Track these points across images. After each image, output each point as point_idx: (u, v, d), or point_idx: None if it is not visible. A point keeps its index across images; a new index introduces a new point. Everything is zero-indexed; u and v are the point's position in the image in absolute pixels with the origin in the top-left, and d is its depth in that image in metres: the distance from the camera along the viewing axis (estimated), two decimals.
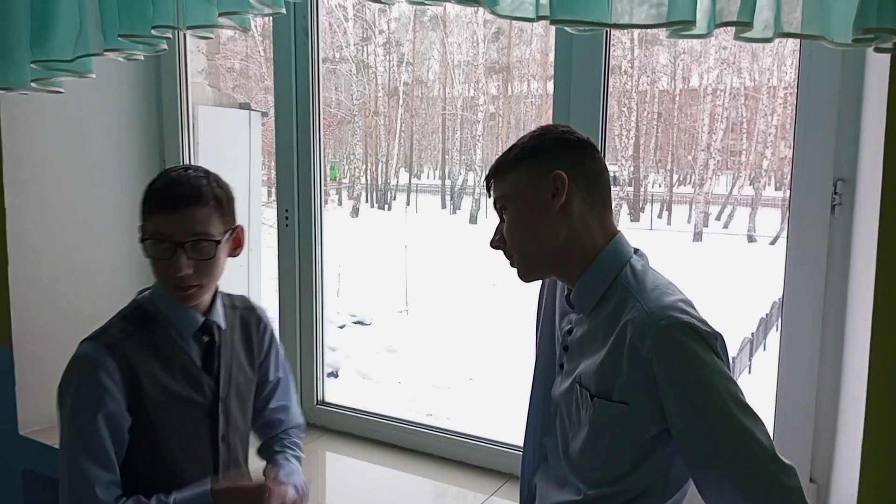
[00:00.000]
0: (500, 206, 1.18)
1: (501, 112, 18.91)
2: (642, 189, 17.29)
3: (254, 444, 1.53)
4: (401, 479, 1.97)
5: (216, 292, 1.38)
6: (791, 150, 1.53)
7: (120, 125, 2.36)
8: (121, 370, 1.23)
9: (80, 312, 2.18)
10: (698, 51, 15.69)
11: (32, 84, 1.66)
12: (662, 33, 1.11)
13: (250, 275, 3.32)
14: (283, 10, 1.38)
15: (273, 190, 2.37)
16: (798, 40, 1.21)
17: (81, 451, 1.21)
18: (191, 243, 1.24)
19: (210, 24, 1.40)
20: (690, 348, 1.01)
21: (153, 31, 1.42)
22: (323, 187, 2.25)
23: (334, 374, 7.45)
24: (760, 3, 1.05)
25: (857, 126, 1.42)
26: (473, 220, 17.46)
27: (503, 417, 4.54)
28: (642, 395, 1.05)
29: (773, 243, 13.58)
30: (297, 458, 1.51)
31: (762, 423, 1.00)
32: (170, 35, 1.46)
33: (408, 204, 19.99)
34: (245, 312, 1.47)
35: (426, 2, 1.26)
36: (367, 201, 20.05)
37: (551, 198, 1.11)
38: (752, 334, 8.16)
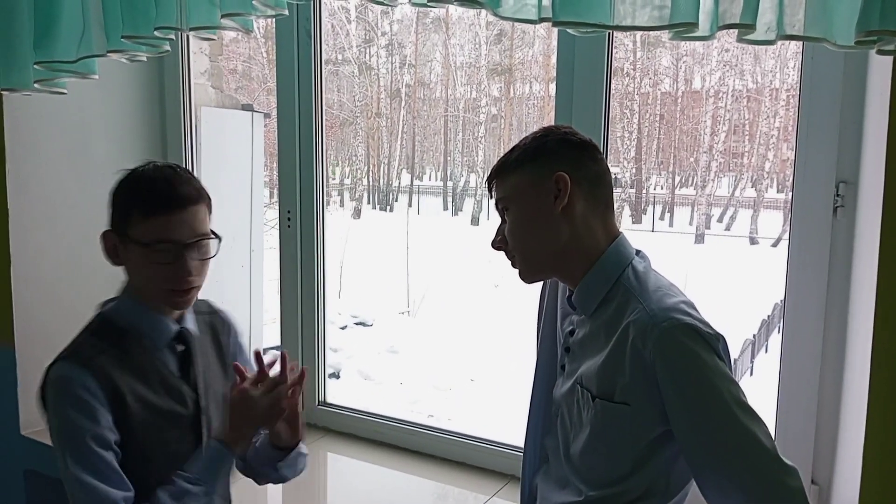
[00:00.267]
0: (501, 207, 1.18)
1: (503, 114, 18.89)
2: (644, 191, 17.27)
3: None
4: (402, 479, 1.98)
5: None
6: (793, 153, 1.53)
7: (123, 126, 2.37)
8: (103, 388, 1.16)
9: (82, 313, 2.16)
10: (701, 53, 15.67)
11: (36, 85, 1.67)
12: (665, 35, 1.11)
13: (252, 276, 3.32)
14: (286, 12, 1.39)
15: (275, 191, 2.37)
16: (801, 42, 1.21)
17: (90, 474, 1.13)
18: (195, 244, 1.21)
19: (213, 26, 1.40)
20: (693, 350, 1.01)
21: (156, 33, 1.43)
22: (325, 189, 2.26)
23: (336, 375, 7.45)
24: (763, 6, 1.05)
25: (860, 128, 1.42)
26: (475, 221, 17.45)
27: (504, 418, 4.54)
28: (644, 396, 1.05)
29: (775, 245, 13.56)
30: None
31: (764, 424, 1.01)
32: (173, 36, 1.46)
33: (409, 205, 19.98)
34: (211, 317, 1.40)
35: (429, 4, 1.26)
36: (368, 203, 20.03)
37: (553, 199, 1.11)
38: (754, 336, 8.15)
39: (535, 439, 1.31)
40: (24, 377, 2.11)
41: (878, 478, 1.22)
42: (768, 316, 8.69)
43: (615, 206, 1.19)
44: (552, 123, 1.37)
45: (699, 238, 15.10)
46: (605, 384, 1.08)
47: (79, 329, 1.27)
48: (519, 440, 1.44)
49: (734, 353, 6.45)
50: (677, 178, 18.05)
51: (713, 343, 1.03)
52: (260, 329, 3.41)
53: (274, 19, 1.51)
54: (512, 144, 1.18)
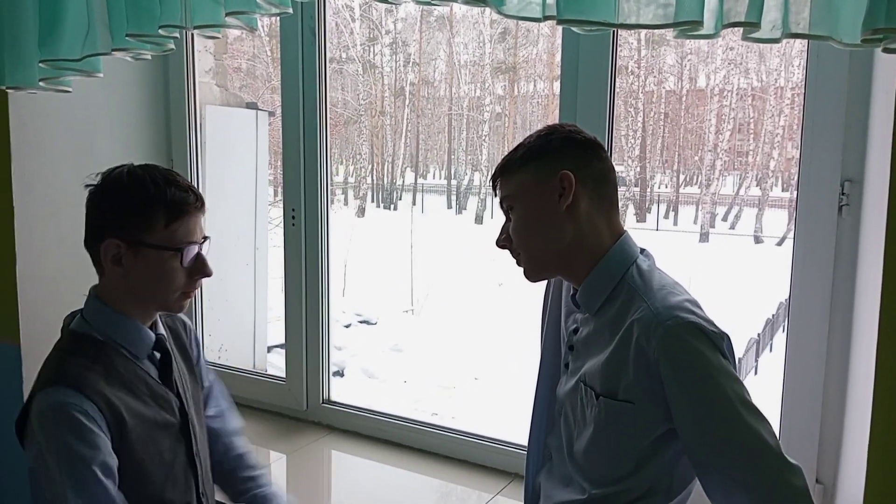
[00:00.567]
0: (506, 206, 1.18)
1: (508, 112, 18.88)
2: (649, 189, 17.25)
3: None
4: (406, 478, 1.98)
5: None
6: (798, 151, 1.52)
7: (128, 124, 2.37)
8: (101, 410, 1.11)
9: None
10: (705, 51, 15.63)
11: (41, 83, 1.67)
12: (669, 34, 1.11)
13: (256, 274, 3.33)
14: (290, 11, 1.39)
15: (279, 189, 2.37)
16: (806, 41, 1.20)
17: None
18: (204, 243, 1.22)
19: (217, 24, 1.40)
20: (697, 348, 1.01)
21: (160, 31, 1.43)
22: (329, 187, 2.26)
23: (340, 373, 7.45)
24: (768, 4, 1.04)
25: (865, 126, 1.41)
26: (479, 220, 17.45)
27: (508, 417, 4.54)
28: (648, 394, 1.05)
29: (779, 244, 13.53)
30: (266, 481, 1.43)
31: (768, 423, 1.00)
32: (177, 35, 1.46)
33: (413, 204, 19.97)
34: (170, 320, 1.36)
35: (433, 2, 1.26)
36: (373, 201, 20.05)
37: (558, 197, 1.11)
38: (759, 335, 8.12)
39: (538, 437, 1.31)
40: (29, 373, 2.12)
41: (882, 476, 1.22)
42: (773, 315, 8.67)
43: (619, 204, 1.19)
44: (556, 122, 1.37)
45: (704, 237, 15.08)
46: (609, 382, 1.08)
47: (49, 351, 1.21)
48: (522, 438, 1.45)
49: (739, 351, 6.45)
50: (682, 177, 18.03)
51: (717, 341, 1.03)
52: (264, 327, 3.41)
53: (278, 17, 1.51)
54: (516, 143, 1.18)
